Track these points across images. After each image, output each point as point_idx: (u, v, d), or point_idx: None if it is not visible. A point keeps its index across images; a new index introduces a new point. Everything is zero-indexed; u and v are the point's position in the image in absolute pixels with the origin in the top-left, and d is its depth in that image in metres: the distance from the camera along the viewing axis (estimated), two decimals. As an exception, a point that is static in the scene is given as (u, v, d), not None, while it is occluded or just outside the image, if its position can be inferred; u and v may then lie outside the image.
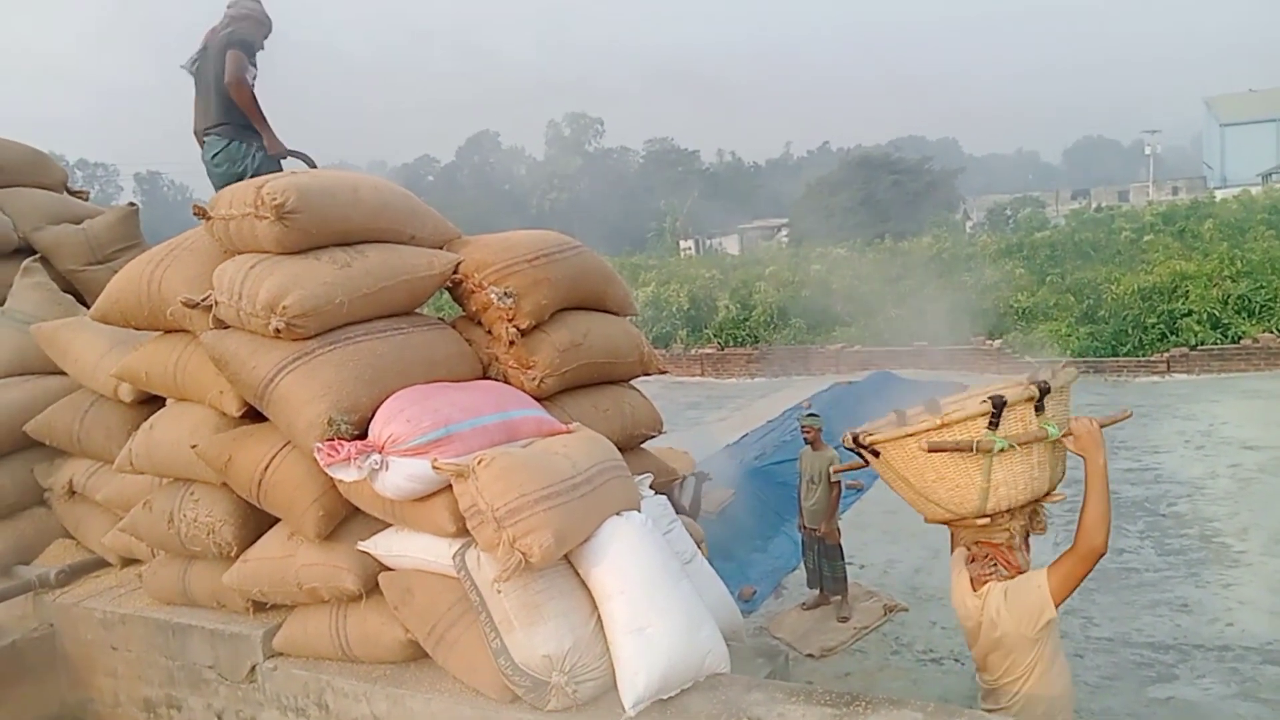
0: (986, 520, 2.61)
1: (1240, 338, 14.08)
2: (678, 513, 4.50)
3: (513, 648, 2.59)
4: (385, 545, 2.94)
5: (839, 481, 6.32)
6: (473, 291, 3.40)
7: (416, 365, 3.13)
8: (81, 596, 3.81)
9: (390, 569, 2.96)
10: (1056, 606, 2.54)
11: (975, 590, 2.67)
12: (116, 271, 3.67)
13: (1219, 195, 26.29)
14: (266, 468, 3.05)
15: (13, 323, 4.65)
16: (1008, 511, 2.62)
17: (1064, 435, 2.58)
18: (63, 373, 4.34)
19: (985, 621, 2.61)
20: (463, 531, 2.71)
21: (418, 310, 3.49)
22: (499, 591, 2.60)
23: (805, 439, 6.48)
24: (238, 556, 3.22)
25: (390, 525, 2.97)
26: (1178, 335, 14.44)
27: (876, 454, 2.62)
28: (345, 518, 3.04)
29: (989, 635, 2.61)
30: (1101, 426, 2.60)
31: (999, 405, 2.49)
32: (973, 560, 2.68)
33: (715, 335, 18.92)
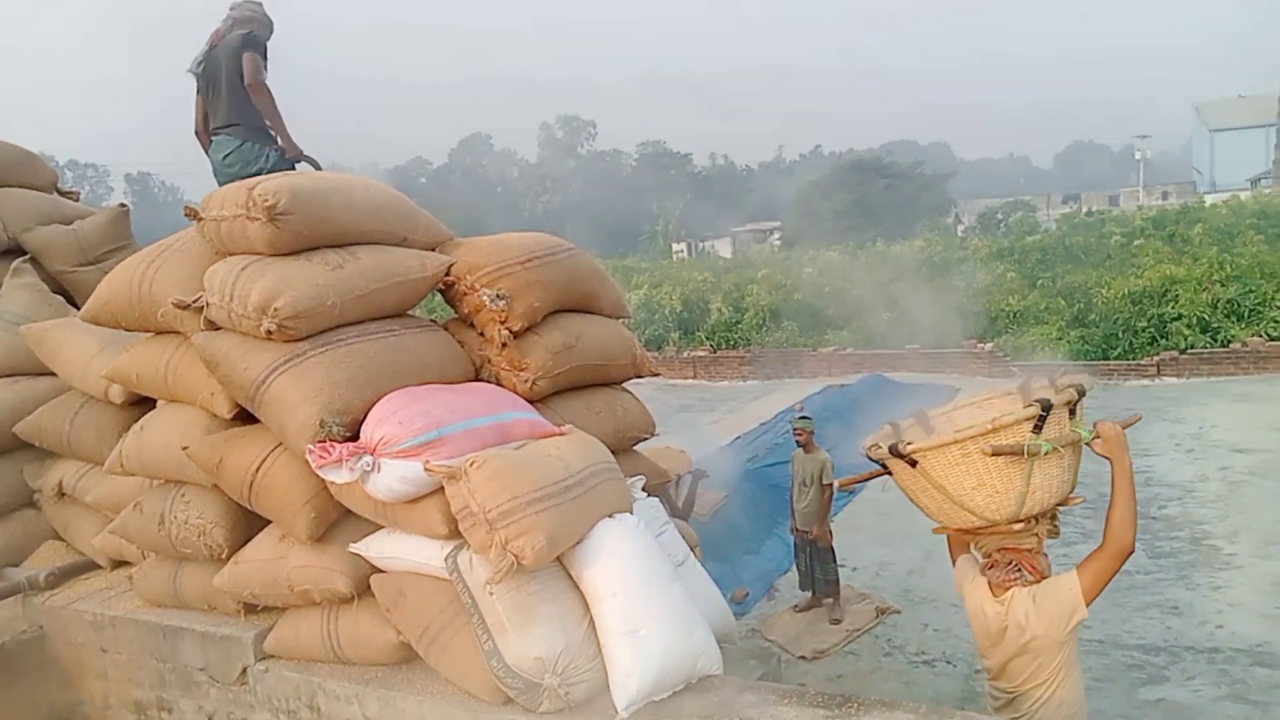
0: (1021, 525, 2.61)
1: (1229, 341, 14.17)
2: (673, 510, 4.51)
3: (505, 650, 2.58)
4: (377, 547, 2.94)
5: (831, 484, 6.33)
6: (465, 294, 3.40)
7: (408, 367, 3.13)
8: (71, 599, 3.79)
9: (382, 571, 2.95)
10: (1086, 606, 2.56)
11: (996, 596, 2.64)
12: (107, 273, 3.66)
13: (1208, 200, 26.45)
14: (258, 469, 3.04)
15: (2, 324, 4.62)
16: (1036, 516, 2.63)
17: (1093, 439, 2.59)
18: (53, 374, 4.32)
19: (1011, 626, 2.58)
20: (455, 533, 2.71)
21: (410, 312, 3.49)
22: (491, 593, 2.60)
23: (797, 441, 6.49)
24: (229, 558, 3.21)
25: (382, 527, 2.96)
26: (1168, 339, 14.52)
27: (914, 463, 2.56)
28: (337, 520, 3.03)
29: (1015, 640, 2.59)
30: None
31: (1048, 408, 2.49)
32: (992, 567, 2.66)
33: (707, 338, 18.94)
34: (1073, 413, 2.59)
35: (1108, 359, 14.63)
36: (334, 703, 2.97)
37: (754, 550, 7.66)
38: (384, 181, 3.88)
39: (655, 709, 2.57)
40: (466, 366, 3.40)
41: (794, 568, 6.76)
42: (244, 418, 3.18)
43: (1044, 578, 2.62)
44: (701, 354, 18.50)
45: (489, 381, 3.38)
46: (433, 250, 3.53)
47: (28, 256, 5.15)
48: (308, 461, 2.80)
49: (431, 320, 3.59)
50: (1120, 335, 14.83)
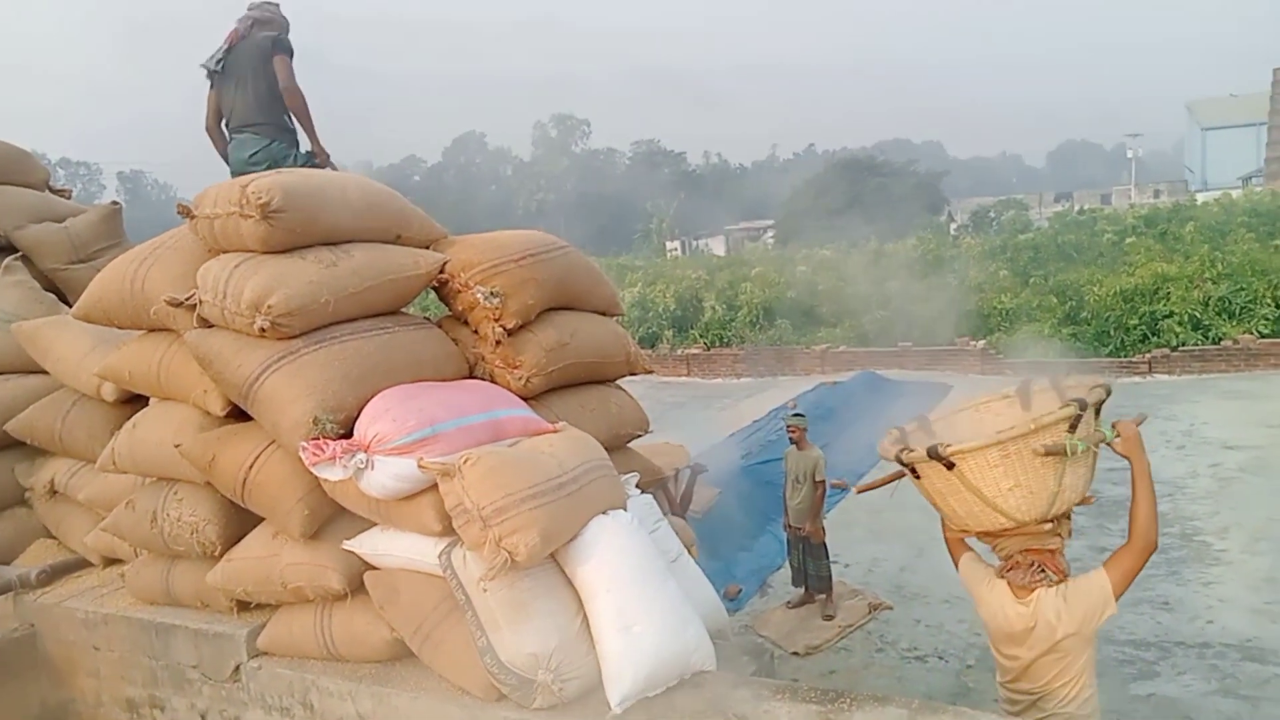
0: (1049, 525, 2.62)
1: (1220, 339, 14.22)
2: (671, 505, 4.53)
3: (499, 646, 2.59)
4: (371, 544, 2.94)
5: (824, 481, 6.35)
6: (459, 291, 3.40)
7: (402, 365, 3.13)
8: (63, 596, 3.78)
9: (376, 568, 2.95)
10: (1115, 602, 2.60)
11: (1019, 598, 2.64)
12: (99, 270, 3.65)
13: (1200, 198, 26.52)
14: (251, 467, 3.03)
15: (-6, 321, 4.61)
16: (1060, 516, 2.65)
17: (1114, 438, 2.61)
18: (44, 372, 4.31)
19: (1041, 626, 2.59)
20: (448, 530, 2.71)
21: (404, 310, 3.49)
22: (485, 590, 2.60)
23: (790, 439, 6.51)
24: (222, 556, 3.20)
25: (376, 524, 2.96)
26: (1159, 336, 14.57)
27: (952, 465, 2.54)
28: (330, 517, 3.03)
29: (1046, 640, 2.59)
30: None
31: (1084, 407, 2.51)
32: (1012, 569, 2.66)
33: (701, 335, 18.95)
34: (1097, 413, 2.62)
35: (1100, 356, 14.68)
36: (328, 700, 2.97)
37: (747, 547, 7.68)
38: (377, 179, 3.88)
39: (648, 705, 2.58)
40: (460, 364, 3.40)
41: (787, 564, 6.78)
42: (237, 415, 3.18)
43: (1065, 577, 2.64)
44: (695, 351, 18.52)
45: (483, 379, 3.39)
46: (427, 248, 3.53)
47: (19, 254, 5.14)
48: (301, 459, 2.80)
49: (425, 318, 3.59)
50: (1112, 333, 14.88)
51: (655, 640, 2.61)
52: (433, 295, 3.61)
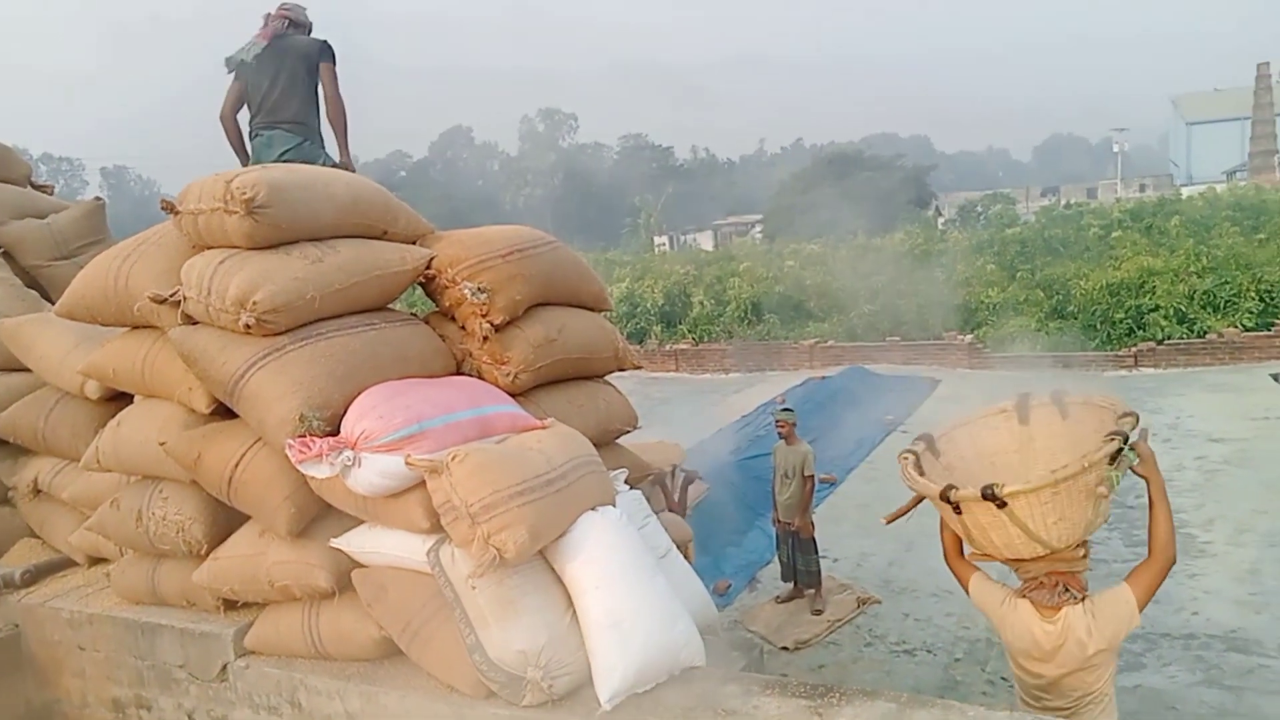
0: (1082, 550, 2.68)
1: (1206, 332, 14.33)
2: (668, 500, 4.53)
3: (488, 644, 2.58)
4: (358, 542, 2.92)
5: (813, 475, 6.36)
6: (446, 287, 3.38)
7: (389, 361, 3.11)
8: (47, 596, 3.75)
9: (363, 566, 2.94)
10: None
11: (1046, 617, 2.67)
12: (82, 267, 3.61)
13: (1185, 192, 26.63)
14: (237, 465, 3.01)
15: (-25, 319, 4.57)
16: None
17: (1135, 461, 2.66)
18: (27, 370, 4.27)
19: (1071, 644, 2.62)
20: (436, 528, 2.70)
21: (390, 306, 3.47)
22: (473, 588, 2.59)
23: (779, 434, 6.52)
24: (208, 555, 3.19)
25: (363, 522, 2.95)
26: (1145, 330, 14.66)
27: (1003, 504, 2.54)
28: (317, 515, 3.01)
29: (1077, 657, 2.63)
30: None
31: (1126, 439, 2.57)
32: (1037, 589, 2.69)
33: (690, 331, 18.97)
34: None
35: (1086, 350, 14.76)
36: (316, 698, 2.95)
37: (736, 542, 7.69)
38: (363, 175, 3.86)
39: (638, 701, 2.57)
40: (447, 360, 3.39)
41: (776, 559, 6.79)
42: (222, 413, 3.16)
43: (1086, 593, 2.69)
44: (684, 347, 18.53)
45: (470, 375, 3.37)
46: (413, 244, 3.51)
47: (1, 251, 5.09)
48: (287, 457, 2.78)
49: (412, 314, 3.57)
50: (1098, 326, 14.97)
51: (644, 636, 2.61)
52: (420, 291, 3.59)
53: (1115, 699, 2.74)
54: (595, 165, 69.70)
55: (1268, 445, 9.48)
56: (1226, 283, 14.75)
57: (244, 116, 5.21)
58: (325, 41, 5.12)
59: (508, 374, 3.33)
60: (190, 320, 3.12)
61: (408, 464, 2.67)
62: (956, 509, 2.65)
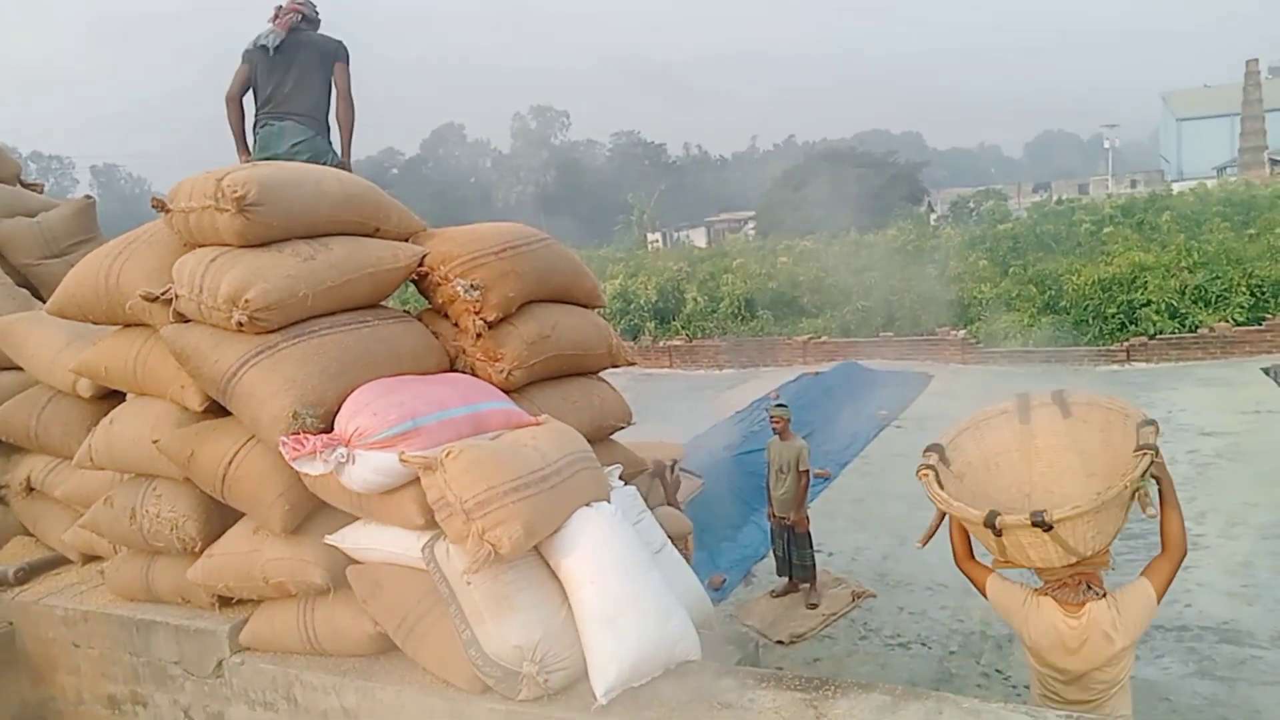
0: (1107, 554, 2.76)
1: (1197, 327, 14.39)
2: (667, 494, 4.55)
3: (483, 639, 2.58)
4: (353, 539, 2.92)
5: (808, 470, 6.38)
6: (439, 284, 3.38)
7: (382, 358, 3.10)
8: (42, 594, 3.75)
9: (358, 562, 2.94)
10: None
11: (1071, 614, 2.74)
12: (73, 265, 3.60)
13: (1176, 188, 26.74)
14: (230, 462, 3.01)
15: (-34, 318, 4.54)
16: None
17: None
18: (18, 368, 4.25)
19: (1096, 638, 2.69)
20: (431, 524, 2.70)
21: (383, 303, 3.46)
22: (469, 583, 2.59)
23: (774, 429, 6.52)
24: (202, 552, 3.18)
25: (358, 519, 2.94)
26: (1137, 325, 14.72)
27: (1049, 527, 2.59)
28: (311, 512, 3.01)
29: (1104, 651, 2.70)
30: None
31: (1157, 451, 2.68)
32: (1061, 588, 2.76)
33: (683, 327, 18.98)
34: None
35: (1078, 345, 14.82)
36: (311, 694, 2.96)
37: (731, 537, 7.70)
38: (355, 172, 3.86)
39: (634, 695, 2.58)
40: (441, 357, 3.38)
41: (771, 554, 6.81)
42: (215, 410, 3.15)
43: (1105, 589, 2.77)
44: (677, 343, 18.53)
45: (464, 372, 3.37)
46: (405, 241, 3.51)
47: (-9, 249, 5.07)
48: (281, 454, 2.78)
49: (405, 311, 3.57)
50: (1090, 321, 15.03)
51: (640, 631, 2.61)
52: (412, 289, 3.59)
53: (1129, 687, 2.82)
54: (587, 162, 69.66)
55: (1259, 439, 9.53)
56: (1217, 278, 14.81)
57: (247, 101, 5.24)
58: (341, 41, 5.23)
59: (501, 371, 3.32)
60: (182, 318, 3.11)
61: (402, 461, 2.67)
62: (998, 532, 2.71)
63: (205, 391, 3.10)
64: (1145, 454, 2.63)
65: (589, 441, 3.10)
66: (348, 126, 5.24)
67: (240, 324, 2.89)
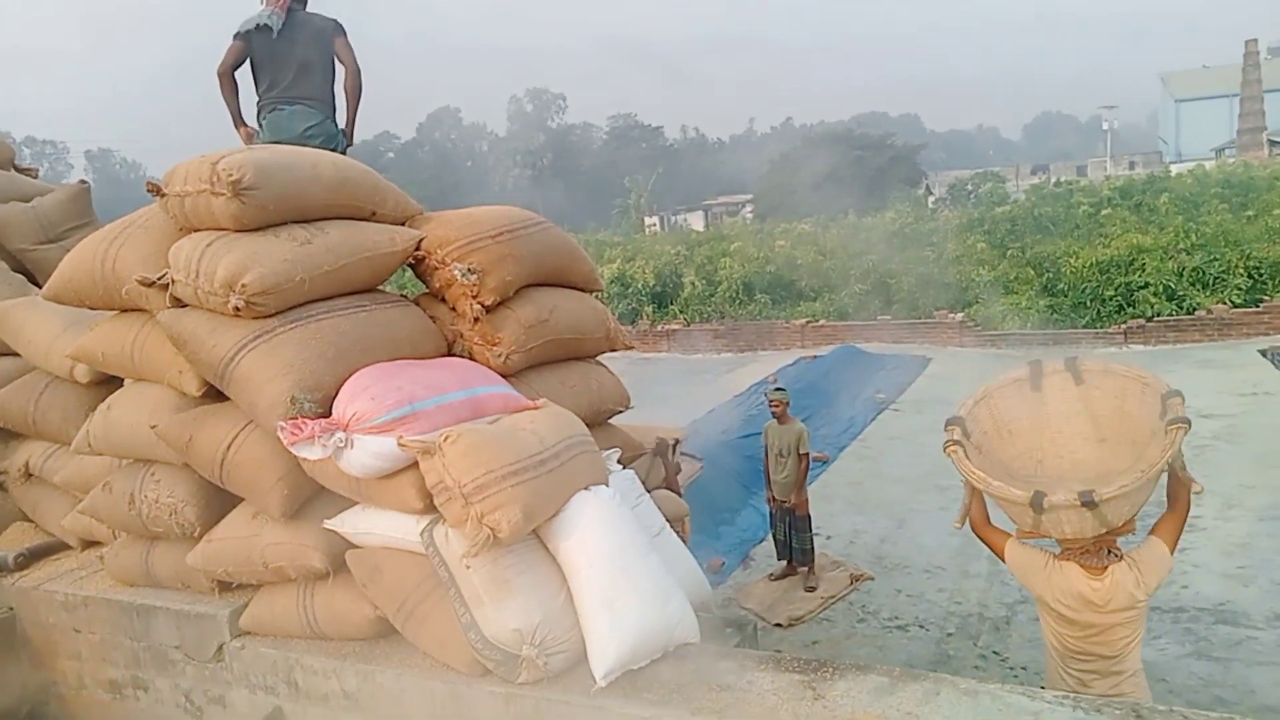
0: (1133, 521, 2.87)
1: (1195, 309, 14.38)
2: (669, 474, 4.56)
3: (483, 622, 2.59)
4: (352, 523, 2.93)
5: (808, 453, 6.38)
6: (436, 268, 3.37)
7: (380, 343, 3.10)
8: (41, 579, 3.75)
9: (357, 547, 2.94)
10: None
11: (1094, 575, 2.84)
12: (68, 250, 3.59)
13: (1174, 170, 26.65)
14: (229, 447, 3.01)
15: (-38, 304, 4.53)
16: None
17: None
18: (15, 354, 4.24)
19: (1121, 596, 2.80)
20: (430, 508, 2.70)
21: (380, 287, 3.46)
22: (468, 567, 2.60)
23: (773, 413, 6.52)
24: (201, 537, 3.19)
25: (356, 503, 2.95)
26: (1135, 307, 14.71)
27: (1094, 504, 2.67)
28: (310, 496, 3.02)
29: (1127, 609, 2.81)
30: None
31: (1189, 423, 2.75)
32: (1084, 554, 2.85)
33: (681, 311, 18.96)
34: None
35: (1076, 327, 14.82)
36: (312, 678, 2.97)
37: (729, 520, 7.72)
38: (351, 156, 3.84)
39: (633, 678, 2.59)
40: (438, 341, 3.38)
41: (769, 537, 6.82)
42: (213, 395, 3.15)
43: (1122, 551, 2.88)
44: (675, 327, 18.52)
45: (462, 356, 3.36)
46: (402, 225, 3.50)
47: (-14, 235, 5.04)
48: (279, 439, 2.78)
49: (402, 295, 3.56)
50: (1088, 304, 15.02)
51: (639, 614, 2.62)
52: (409, 273, 3.57)
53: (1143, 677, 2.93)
54: (584, 145, 69.39)
55: (1256, 420, 9.55)
56: (1215, 260, 14.80)
57: (245, 82, 5.20)
58: (335, 19, 5.22)
59: (499, 355, 3.32)
60: (179, 303, 3.11)
61: (400, 445, 2.67)
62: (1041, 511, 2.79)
63: (203, 376, 3.09)
64: (1180, 427, 2.71)
65: (587, 425, 3.11)
66: (356, 97, 5.24)
67: (237, 309, 2.89)
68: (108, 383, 3.82)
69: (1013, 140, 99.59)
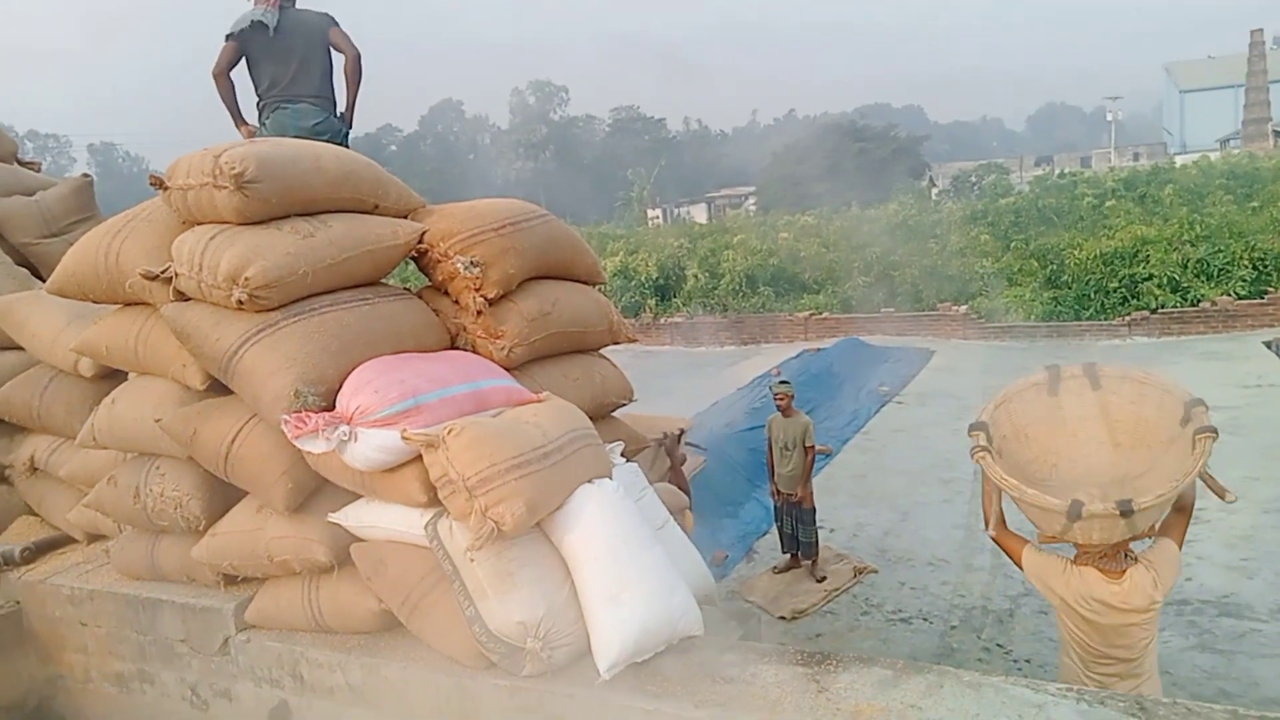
0: (1154, 526, 2.89)
1: (1199, 301, 14.34)
2: (673, 464, 4.57)
3: (487, 615, 2.59)
4: (356, 516, 2.93)
5: (813, 446, 6.39)
6: (439, 261, 3.36)
7: (383, 336, 3.10)
8: (47, 573, 3.77)
9: (362, 540, 2.95)
10: None
11: (1113, 579, 2.86)
12: (72, 244, 3.59)
13: (1179, 161, 26.58)
14: (233, 441, 3.02)
15: (-34, 298, 4.53)
16: None
17: None
18: (20, 348, 4.25)
19: (1138, 598, 2.82)
20: (434, 501, 2.70)
21: (383, 280, 3.45)
22: (472, 560, 2.60)
23: (778, 406, 6.52)
24: (206, 530, 3.19)
25: (360, 496, 2.95)
26: (1139, 299, 14.67)
27: (1132, 513, 2.68)
28: (314, 490, 3.02)
29: (1146, 610, 2.83)
30: None
31: (1216, 432, 2.79)
32: (1102, 558, 2.87)
33: (684, 304, 18.95)
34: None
35: (1080, 319, 14.79)
36: (317, 671, 2.97)
37: (733, 513, 7.72)
38: (353, 149, 3.83)
39: (637, 670, 2.59)
40: (442, 335, 3.38)
41: (773, 530, 6.83)
42: (217, 388, 3.15)
43: (1136, 554, 2.90)
44: (678, 320, 18.51)
45: (465, 350, 3.36)
46: (405, 218, 3.49)
47: (-10, 229, 5.05)
48: (283, 432, 2.78)
49: (405, 289, 3.56)
50: (1092, 296, 14.98)
51: (642, 607, 2.62)
52: (412, 266, 3.57)
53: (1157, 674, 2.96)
54: (587, 138, 69.30)
55: (1261, 412, 9.53)
56: (1220, 251, 14.75)
57: (242, 81, 5.19)
58: (326, 13, 5.21)
59: (502, 348, 3.32)
60: (182, 296, 3.11)
61: (404, 438, 2.67)
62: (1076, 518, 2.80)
63: (207, 370, 3.10)
64: (1208, 436, 2.73)
65: (590, 418, 3.11)
66: (356, 84, 5.24)
67: (240, 302, 2.89)
68: (112, 376, 3.83)
69: (1017, 132, 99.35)
